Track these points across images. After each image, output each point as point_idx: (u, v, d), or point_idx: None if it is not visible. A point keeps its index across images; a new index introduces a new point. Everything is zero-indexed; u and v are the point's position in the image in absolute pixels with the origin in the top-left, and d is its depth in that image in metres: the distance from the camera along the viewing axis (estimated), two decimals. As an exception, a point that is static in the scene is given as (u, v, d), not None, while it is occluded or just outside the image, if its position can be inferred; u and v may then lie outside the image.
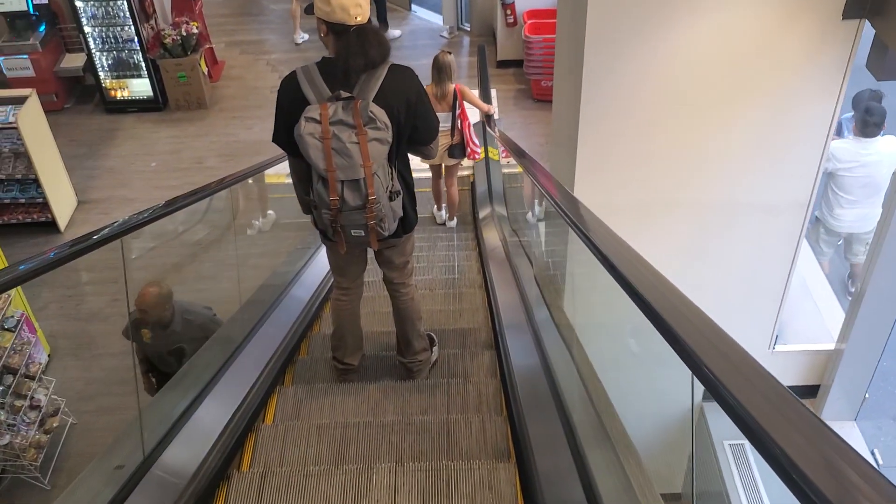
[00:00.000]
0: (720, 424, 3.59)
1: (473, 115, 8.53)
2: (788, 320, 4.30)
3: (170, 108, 9.18)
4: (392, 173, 2.75)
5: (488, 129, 7.41)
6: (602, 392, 2.52)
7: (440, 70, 6.08)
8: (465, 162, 8.13)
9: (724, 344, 1.27)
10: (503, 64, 9.62)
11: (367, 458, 2.93)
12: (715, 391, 1.13)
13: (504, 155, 6.88)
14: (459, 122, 6.36)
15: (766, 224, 3.66)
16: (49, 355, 6.08)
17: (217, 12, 11.07)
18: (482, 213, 6.55)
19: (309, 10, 2.79)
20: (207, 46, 9.22)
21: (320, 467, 2.83)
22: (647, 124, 3.48)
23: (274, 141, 2.79)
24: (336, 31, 2.60)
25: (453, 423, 3.06)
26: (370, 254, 3.26)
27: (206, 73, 9.08)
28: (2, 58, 8.63)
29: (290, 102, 2.64)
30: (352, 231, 2.76)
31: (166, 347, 3.79)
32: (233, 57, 10.24)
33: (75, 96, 9.40)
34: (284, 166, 5.41)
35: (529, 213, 5.82)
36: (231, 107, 9.25)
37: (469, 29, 10.64)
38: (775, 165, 3.52)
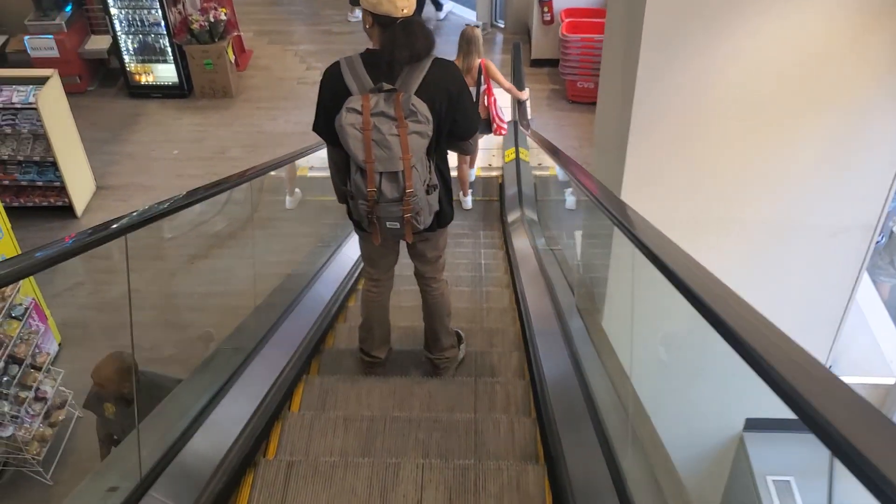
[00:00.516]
0: (763, 457, 3.32)
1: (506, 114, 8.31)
2: (843, 350, 4.01)
3: (194, 96, 8.99)
4: (430, 167, 2.75)
5: (520, 128, 7.17)
6: (642, 410, 2.39)
7: (468, 42, 5.98)
8: (494, 163, 7.92)
9: (804, 359, 1.13)
10: (537, 63, 9.36)
11: (393, 452, 2.91)
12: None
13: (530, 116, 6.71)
14: (485, 97, 6.24)
15: (827, 247, 3.37)
16: (60, 344, 5.91)
17: (247, 0, 10.89)
18: (511, 217, 6.30)
19: (354, 0, 2.80)
20: (235, 34, 9.02)
21: (346, 458, 2.83)
22: (704, 133, 3.20)
23: (314, 130, 2.80)
24: (382, 24, 2.60)
25: (480, 421, 3.04)
26: (402, 247, 3.25)
27: (232, 61, 8.89)
28: (27, 37, 8.50)
29: (333, 92, 2.65)
30: (387, 223, 2.77)
31: (130, 427, 3.09)
32: (261, 46, 10.05)
33: (99, 79, 9.25)
34: (308, 159, 5.24)
35: (568, 194, 5.53)
36: (256, 97, 9.06)
37: (503, 26, 10.38)
38: (843, 185, 3.24)
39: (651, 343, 2.61)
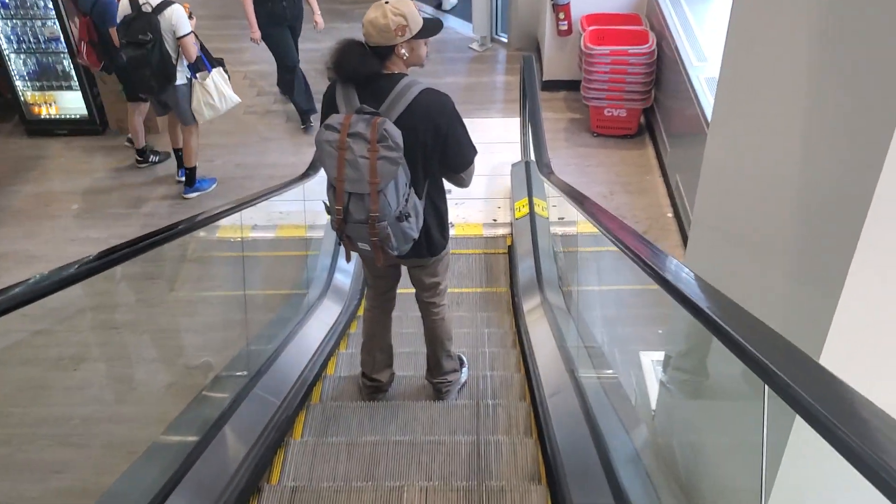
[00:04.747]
0: None
1: (512, 152, 6.59)
2: None
3: (110, 132, 7.24)
4: (408, 195, 2.80)
5: (537, 173, 5.40)
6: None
7: None
8: (501, 217, 6.14)
9: None
10: (551, 85, 7.62)
11: (397, 477, 3.01)
12: None
13: None
14: None
15: None
16: None
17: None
18: (528, 305, 4.47)
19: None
20: (162, 52, 7.25)
21: (350, 483, 2.94)
22: None
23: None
24: None
25: (483, 444, 3.12)
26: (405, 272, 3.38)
27: (157, 86, 7.12)
28: None
29: (327, 110, 2.86)
30: (359, 244, 2.90)
31: None
32: (203, 68, 8.30)
33: (-11, 113, 7.48)
34: (250, 214, 3.93)
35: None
36: (190, 131, 7.29)
37: (506, 40, 8.67)
38: None
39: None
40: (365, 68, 2.74)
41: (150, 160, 6.74)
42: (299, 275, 4.84)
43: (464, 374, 3.75)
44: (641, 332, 3.46)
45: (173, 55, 5.53)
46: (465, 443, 3.14)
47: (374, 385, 3.60)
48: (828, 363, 1.42)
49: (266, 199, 4.10)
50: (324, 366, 3.88)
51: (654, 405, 2.77)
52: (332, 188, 2.80)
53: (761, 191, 1.79)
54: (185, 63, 5.65)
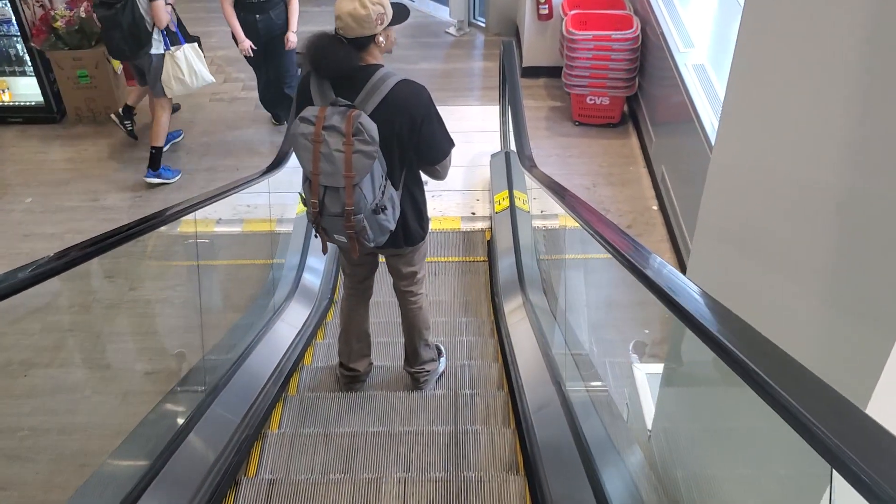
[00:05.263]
0: None
1: (491, 142, 6.33)
2: None
3: (68, 120, 6.87)
4: (384, 187, 2.77)
5: (518, 165, 5.14)
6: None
7: None
8: (479, 210, 5.88)
9: None
10: (531, 72, 7.34)
11: (375, 468, 3.00)
12: None
13: None
14: None
15: None
16: None
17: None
18: (509, 305, 4.22)
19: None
20: (123, 35, 6.90)
21: (328, 476, 2.91)
22: None
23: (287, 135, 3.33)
24: None
25: (462, 434, 3.13)
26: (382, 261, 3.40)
27: (118, 71, 6.78)
28: None
29: (301, 104, 2.78)
30: (335, 235, 2.87)
31: None
32: (167, 53, 7.93)
33: (-61, 99, 7.08)
34: (215, 209, 3.71)
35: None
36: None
37: (484, 24, 8.38)
38: None
39: None
40: (346, 65, 2.69)
41: (125, 124, 6.37)
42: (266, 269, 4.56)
43: (441, 364, 3.76)
44: (632, 334, 3.22)
45: (147, 19, 5.39)
46: (442, 433, 3.15)
47: (351, 375, 3.58)
48: (876, 412, 1.17)
49: (234, 194, 3.83)
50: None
51: (649, 424, 2.53)
52: (308, 181, 2.78)
53: (786, 199, 1.53)
54: (163, 33, 5.48)
